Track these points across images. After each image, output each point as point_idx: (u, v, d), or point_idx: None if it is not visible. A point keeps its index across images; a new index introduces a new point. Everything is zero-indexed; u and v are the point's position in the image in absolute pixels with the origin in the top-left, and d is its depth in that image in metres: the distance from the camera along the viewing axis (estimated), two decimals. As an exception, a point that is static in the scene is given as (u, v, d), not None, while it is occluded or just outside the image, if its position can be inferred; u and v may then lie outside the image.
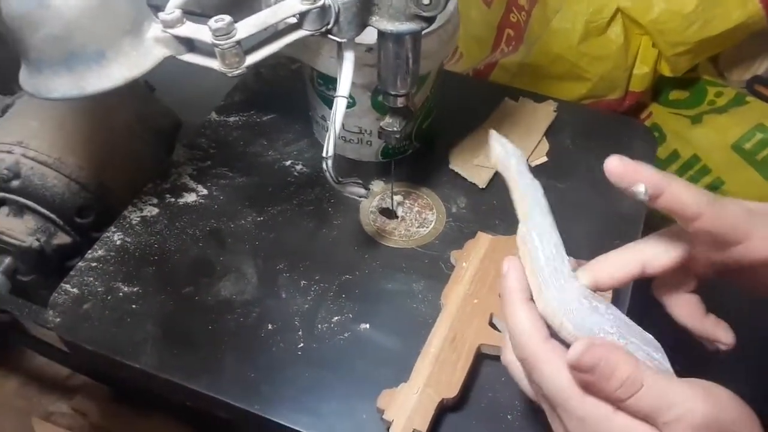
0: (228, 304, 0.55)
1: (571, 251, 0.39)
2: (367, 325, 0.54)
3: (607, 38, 0.95)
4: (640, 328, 0.38)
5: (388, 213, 0.63)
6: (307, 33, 0.43)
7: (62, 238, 0.69)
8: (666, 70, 1.01)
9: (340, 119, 0.47)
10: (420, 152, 0.68)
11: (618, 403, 0.33)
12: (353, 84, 0.58)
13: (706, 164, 1.01)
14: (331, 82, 0.59)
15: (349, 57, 0.47)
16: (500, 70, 1.03)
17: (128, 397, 0.80)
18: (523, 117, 0.70)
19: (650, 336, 0.38)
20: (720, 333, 0.43)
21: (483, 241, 0.58)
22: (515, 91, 0.74)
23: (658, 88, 1.08)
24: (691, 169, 1.03)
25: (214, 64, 0.42)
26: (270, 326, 0.54)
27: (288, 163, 0.66)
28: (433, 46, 0.57)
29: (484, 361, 0.51)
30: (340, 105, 0.47)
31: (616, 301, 0.51)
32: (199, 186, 0.63)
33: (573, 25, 0.93)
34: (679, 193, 0.36)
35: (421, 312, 0.55)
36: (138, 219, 0.60)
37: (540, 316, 0.37)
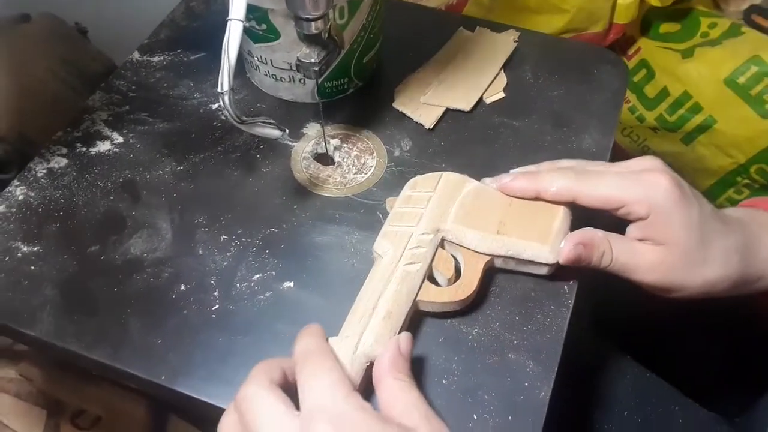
0: (138, 263, 0.49)
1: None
2: (291, 284, 0.48)
3: (586, -37, 0.86)
4: None
5: (324, 159, 0.56)
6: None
7: (-14, 195, 0.64)
8: (654, 0, 0.92)
9: (235, 47, 0.41)
10: (362, 91, 0.61)
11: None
12: (273, 11, 0.52)
13: (698, 101, 0.93)
14: (252, 10, 0.52)
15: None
16: (473, 3, 0.95)
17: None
18: (478, 49, 0.62)
19: None
20: None
21: (423, 186, 0.51)
22: (473, 21, 0.66)
23: (648, 20, 0.99)
24: (682, 107, 0.95)
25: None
26: (183, 287, 0.48)
27: (215, 106, 0.59)
28: (362, -37, 0.50)
29: (423, 320, 0.46)
30: (233, 30, 0.40)
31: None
32: (114, 133, 0.57)
33: (548, -50, 0.85)
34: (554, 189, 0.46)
35: (352, 267, 0.49)
36: (44, 171, 0.54)
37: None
